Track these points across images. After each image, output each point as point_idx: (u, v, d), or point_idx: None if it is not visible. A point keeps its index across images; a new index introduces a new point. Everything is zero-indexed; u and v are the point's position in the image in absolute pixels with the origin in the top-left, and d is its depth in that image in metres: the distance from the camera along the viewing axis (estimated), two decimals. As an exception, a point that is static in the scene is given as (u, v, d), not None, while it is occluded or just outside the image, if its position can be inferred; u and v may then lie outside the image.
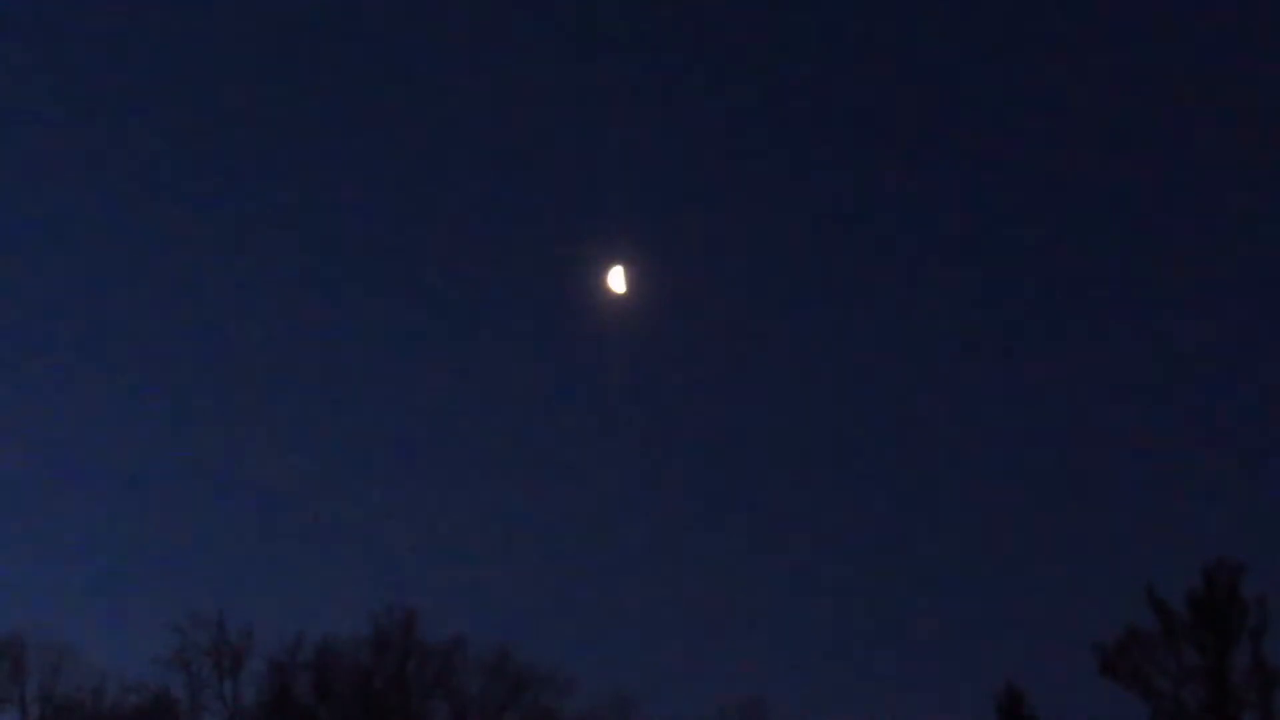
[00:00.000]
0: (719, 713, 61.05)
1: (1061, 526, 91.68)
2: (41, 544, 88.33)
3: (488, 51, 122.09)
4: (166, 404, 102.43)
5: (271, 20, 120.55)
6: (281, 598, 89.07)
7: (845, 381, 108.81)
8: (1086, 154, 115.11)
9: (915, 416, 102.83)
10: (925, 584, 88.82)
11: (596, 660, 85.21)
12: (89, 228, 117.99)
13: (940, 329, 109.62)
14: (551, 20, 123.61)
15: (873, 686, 79.81)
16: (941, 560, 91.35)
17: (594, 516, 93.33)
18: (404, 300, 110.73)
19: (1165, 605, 51.98)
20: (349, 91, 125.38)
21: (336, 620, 65.96)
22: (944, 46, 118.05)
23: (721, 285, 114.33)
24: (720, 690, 72.94)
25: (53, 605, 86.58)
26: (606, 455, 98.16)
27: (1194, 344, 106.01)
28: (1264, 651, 50.84)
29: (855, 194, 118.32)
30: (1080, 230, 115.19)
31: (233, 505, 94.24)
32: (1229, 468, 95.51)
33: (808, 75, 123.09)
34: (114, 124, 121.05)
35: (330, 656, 61.52)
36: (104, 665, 59.90)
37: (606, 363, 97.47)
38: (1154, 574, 54.05)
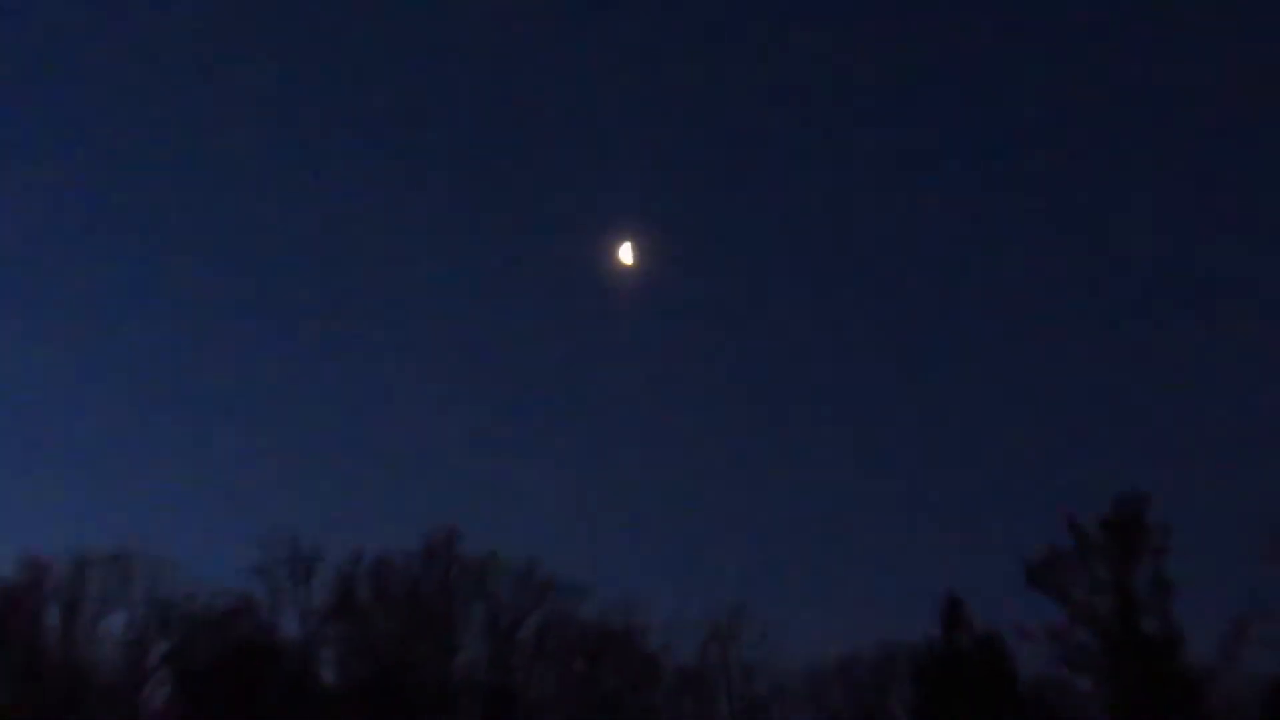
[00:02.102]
0: (710, 614, 64.02)
1: (996, 461, 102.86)
2: (146, 469, 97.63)
3: (516, 43, 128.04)
4: (246, 352, 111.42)
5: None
6: (346, 517, 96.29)
7: (812, 338, 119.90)
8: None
9: (874, 372, 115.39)
10: (885, 510, 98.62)
11: (608, 569, 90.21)
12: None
13: (910, 317, 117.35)
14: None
15: (838, 595, 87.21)
16: (897, 490, 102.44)
17: (606, 447, 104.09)
18: (447, 273, 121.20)
19: (1082, 529, 54.18)
20: (382, 79, 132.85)
21: (392, 536, 71.78)
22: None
23: (717, 259, 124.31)
24: (711, 594, 79.46)
25: (156, 522, 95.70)
26: (616, 399, 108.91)
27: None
28: (1163, 568, 52.76)
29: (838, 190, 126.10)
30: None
31: (307, 437, 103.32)
32: (1142, 408, 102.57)
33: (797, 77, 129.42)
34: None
35: (386, 567, 63.49)
36: (199, 573, 62.68)
37: (617, 323, 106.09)
38: (1073, 501, 56.42)
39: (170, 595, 61.98)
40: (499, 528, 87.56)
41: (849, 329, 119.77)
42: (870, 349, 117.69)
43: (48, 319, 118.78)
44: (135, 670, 61.43)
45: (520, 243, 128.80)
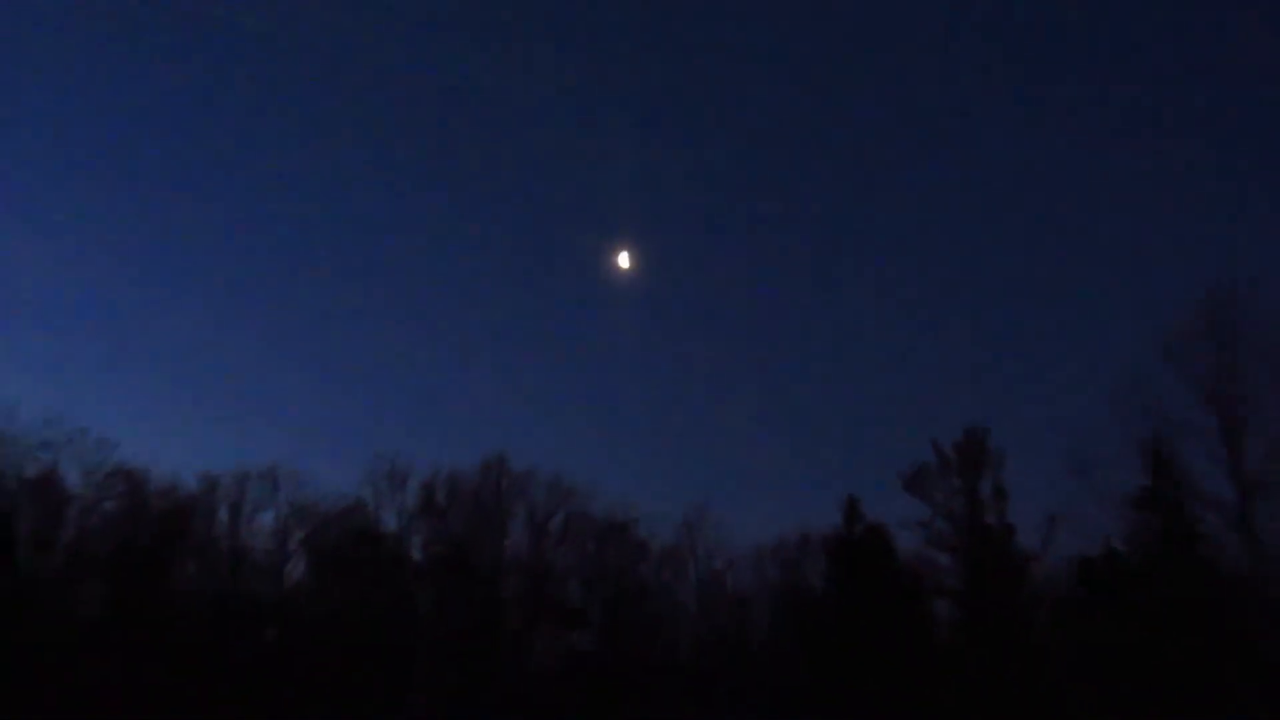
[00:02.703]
0: (684, 510, 66.04)
1: (885, 400, 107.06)
2: (288, 404, 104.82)
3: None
4: (367, 326, 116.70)
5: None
6: (430, 443, 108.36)
7: (759, 324, 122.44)
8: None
9: (803, 349, 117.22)
10: (810, 438, 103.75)
11: (611, 479, 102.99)
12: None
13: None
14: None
15: (774, 494, 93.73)
16: (818, 425, 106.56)
17: (609, 399, 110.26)
18: (491, 273, 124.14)
19: (942, 450, 56.06)
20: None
21: (461, 457, 75.71)
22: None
23: (695, 264, 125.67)
24: (684, 496, 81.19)
25: (296, 444, 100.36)
26: (614, 367, 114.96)
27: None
28: (1000, 479, 54.86)
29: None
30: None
31: (403, 388, 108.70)
32: (985, 357, 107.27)
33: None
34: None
35: (457, 478, 64.49)
36: (326, 482, 66.11)
37: (615, 317, 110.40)
38: (935, 430, 57.86)
39: (305, 499, 63.47)
40: (536, 451, 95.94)
41: (786, 318, 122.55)
42: (801, 337, 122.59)
43: (211, 283, 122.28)
44: (280, 552, 63.00)
45: (543, 249, 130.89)
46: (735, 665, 60.23)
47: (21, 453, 52.71)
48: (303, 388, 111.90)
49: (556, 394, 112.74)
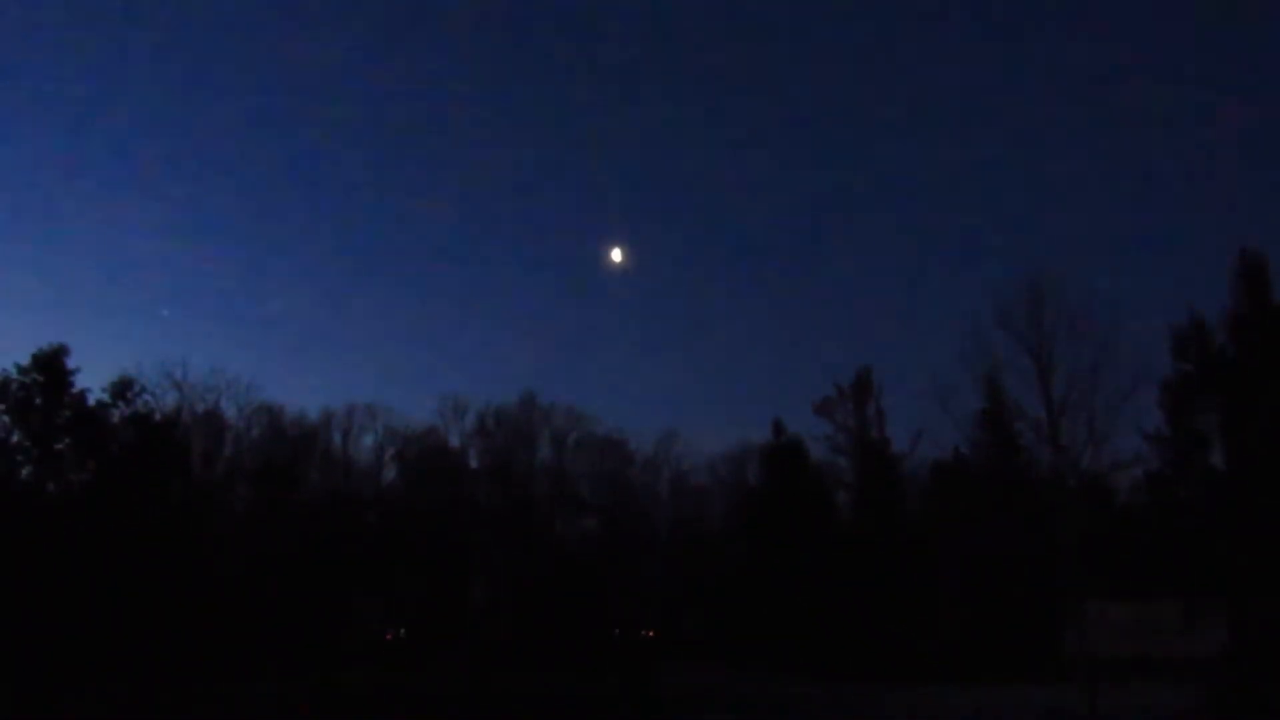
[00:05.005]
0: (660, 432, 64.95)
1: (806, 348, 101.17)
2: (385, 357, 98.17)
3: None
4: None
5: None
6: (482, 381, 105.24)
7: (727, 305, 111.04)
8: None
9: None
10: (751, 370, 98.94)
11: (610, 407, 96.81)
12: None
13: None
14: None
15: (723, 414, 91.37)
16: (761, 360, 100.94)
17: (611, 350, 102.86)
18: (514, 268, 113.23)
19: (840, 385, 54.24)
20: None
21: (509, 396, 72.66)
22: None
23: (675, 260, 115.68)
24: (655, 421, 79.23)
25: (388, 385, 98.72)
26: (607, 344, 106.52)
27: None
28: (880, 405, 53.12)
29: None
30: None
31: (463, 339, 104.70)
32: (875, 318, 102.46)
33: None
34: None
35: (501, 409, 61.74)
36: (408, 413, 66.96)
37: (609, 304, 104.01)
38: (839, 370, 60.11)
39: (395, 425, 61.65)
40: (558, 388, 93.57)
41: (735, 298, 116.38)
42: (750, 310, 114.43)
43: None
44: (377, 463, 61.96)
45: (550, 247, 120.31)
46: (696, 541, 59.84)
47: (194, 394, 53.22)
48: (398, 347, 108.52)
49: (573, 348, 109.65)
